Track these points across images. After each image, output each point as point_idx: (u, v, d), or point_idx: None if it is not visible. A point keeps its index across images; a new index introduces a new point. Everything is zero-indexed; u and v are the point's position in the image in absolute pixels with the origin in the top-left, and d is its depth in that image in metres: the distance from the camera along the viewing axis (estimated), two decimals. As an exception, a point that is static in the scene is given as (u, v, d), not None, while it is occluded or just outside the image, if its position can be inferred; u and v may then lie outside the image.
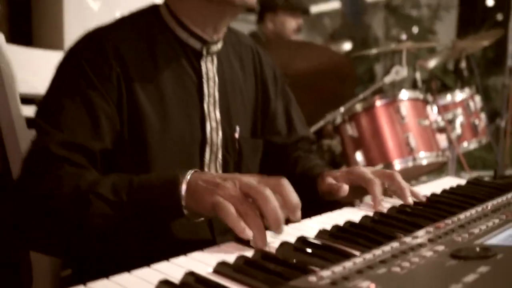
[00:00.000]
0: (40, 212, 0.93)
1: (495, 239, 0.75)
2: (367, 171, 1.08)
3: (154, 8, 1.17)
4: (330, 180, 1.11)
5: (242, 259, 0.70)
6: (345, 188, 1.06)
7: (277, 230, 0.78)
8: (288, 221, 0.93)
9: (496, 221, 0.83)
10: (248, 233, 0.75)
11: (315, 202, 1.15)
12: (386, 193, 1.09)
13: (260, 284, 0.62)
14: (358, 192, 1.10)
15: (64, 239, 0.94)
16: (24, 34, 2.66)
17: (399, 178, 1.05)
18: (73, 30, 2.48)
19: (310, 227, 0.89)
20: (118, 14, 2.55)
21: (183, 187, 0.84)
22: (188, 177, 0.84)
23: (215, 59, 1.18)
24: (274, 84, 1.31)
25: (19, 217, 0.96)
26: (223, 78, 1.19)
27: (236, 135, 1.20)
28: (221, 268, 0.68)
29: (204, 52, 1.15)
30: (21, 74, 1.28)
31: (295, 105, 1.38)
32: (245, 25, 3.70)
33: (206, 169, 1.16)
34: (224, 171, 1.19)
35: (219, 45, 1.18)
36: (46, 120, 1.00)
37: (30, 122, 1.22)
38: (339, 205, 1.10)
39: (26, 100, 1.27)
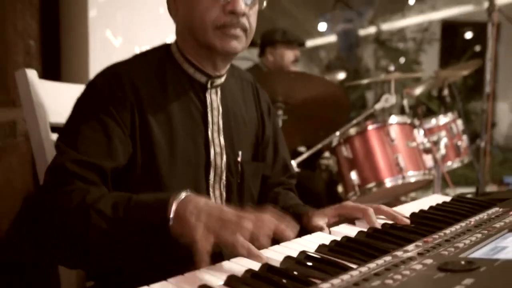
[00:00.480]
0: (51, 223, 0.92)
1: (478, 253, 0.74)
2: (359, 205, 1.08)
3: (165, 46, 1.18)
4: (319, 222, 1.08)
5: (249, 272, 0.70)
6: (327, 231, 1.04)
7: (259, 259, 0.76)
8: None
9: (479, 235, 0.83)
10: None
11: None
12: None
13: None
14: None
15: (69, 250, 0.92)
16: (54, 70, 2.69)
17: (386, 208, 1.05)
18: (98, 65, 2.50)
19: (311, 242, 0.89)
20: (137, 49, 2.59)
21: (173, 209, 0.83)
22: (179, 200, 0.84)
23: (219, 91, 1.18)
24: (268, 116, 1.32)
25: (36, 228, 0.95)
26: (226, 108, 1.19)
27: (239, 159, 1.19)
28: (231, 281, 0.68)
29: (209, 85, 1.15)
30: (51, 106, 1.29)
31: (282, 138, 1.37)
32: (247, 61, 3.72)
33: (211, 190, 1.15)
34: (228, 191, 1.18)
35: (222, 79, 1.18)
36: (65, 141, 1.01)
37: (58, 148, 1.22)
38: None
39: (55, 128, 1.28)
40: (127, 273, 0.94)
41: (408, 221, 1.01)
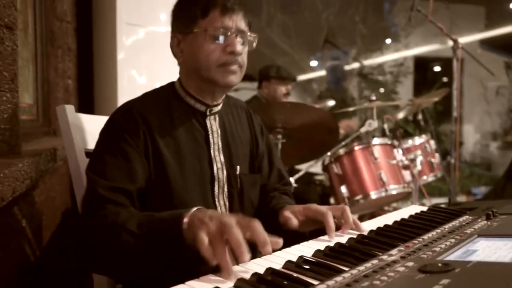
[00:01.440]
0: (91, 242, 0.94)
1: (453, 256, 0.73)
2: (322, 207, 1.07)
3: (170, 84, 1.20)
4: (287, 213, 1.10)
5: (255, 276, 0.69)
6: (294, 222, 1.07)
7: (241, 258, 0.74)
8: (290, 243, 0.92)
9: (453, 240, 0.82)
10: (214, 262, 0.74)
11: (279, 232, 1.08)
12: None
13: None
14: (312, 224, 1.09)
15: (106, 263, 0.94)
16: (88, 104, 2.71)
17: (348, 212, 1.04)
18: (125, 100, 2.52)
19: (308, 248, 0.88)
20: (158, 85, 2.61)
21: (185, 221, 0.83)
22: (190, 213, 0.84)
23: (217, 117, 1.19)
24: (261, 135, 1.32)
25: (79, 246, 0.97)
26: (224, 130, 1.20)
27: (237, 172, 1.20)
28: (240, 284, 0.66)
29: (208, 113, 1.16)
30: (86, 135, 1.29)
31: (276, 153, 1.38)
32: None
33: (216, 200, 1.15)
34: (230, 201, 1.18)
35: (219, 107, 1.19)
36: (93, 171, 1.02)
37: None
38: (301, 235, 1.09)
39: (89, 154, 1.28)
40: (151, 278, 0.93)
41: (362, 228, 1.01)
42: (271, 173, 1.32)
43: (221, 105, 1.20)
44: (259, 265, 0.76)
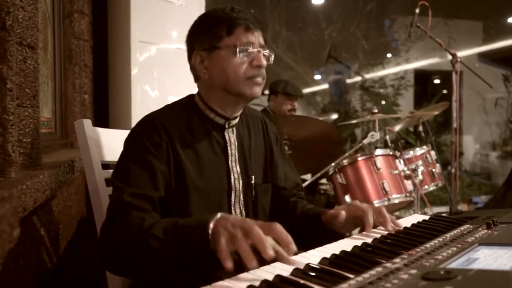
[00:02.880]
0: (116, 246, 0.94)
1: (455, 263, 0.72)
2: (363, 204, 1.10)
3: (190, 96, 1.22)
4: (333, 210, 1.14)
5: (265, 282, 0.69)
6: (343, 213, 1.09)
7: (264, 253, 0.76)
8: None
9: (454, 248, 0.81)
10: (229, 265, 0.76)
11: (319, 233, 1.18)
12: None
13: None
14: (353, 224, 1.12)
15: (133, 266, 0.94)
16: (103, 117, 2.74)
17: (384, 211, 1.08)
18: (138, 112, 2.55)
19: (314, 255, 0.88)
20: (170, 98, 2.64)
21: (211, 226, 0.84)
22: (215, 220, 0.85)
23: (235, 129, 1.21)
24: (276, 144, 1.34)
25: (105, 251, 0.97)
26: (240, 142, 1.21)
27: (252, 182, 1.21)
28: (250, 290, 0.67)
29: (226, 126, 1.19)
30: (102, 147, 1.31)
31: (290, 161, 1.40)
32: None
33: (232, 208, 1.17)
34: (246, 209, 1.20)
35: (237, 120, 1.22)
36: (119, 179, 1.03)
37: (107, 181, 1.24)
38: (338, 236, 1.10)
39: (105, 165, 1.30)
40: (171, 280, 0.94)
41: (391, 229, 1.05)
42: (287, 180, 1.34)
43: (238, 118, 1.22)
44: (268, 273, 0.76)
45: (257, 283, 0.69)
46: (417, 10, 2.81)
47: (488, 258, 0.73)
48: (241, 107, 1.20)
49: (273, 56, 1.19)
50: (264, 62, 1.13)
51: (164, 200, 1.07)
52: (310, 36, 6.96)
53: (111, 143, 1.36)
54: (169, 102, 1.22)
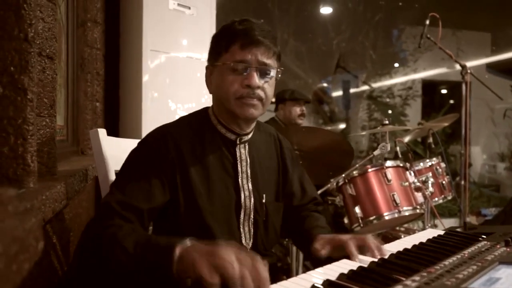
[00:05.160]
0: (91, 246, 0.94)
1: (477, 283, 0.72)
2: (344, 236, 1.04)
3: (204, 110, 1.21)
4: (317, 245, 1.07)
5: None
6: (322, 254, 1.04)
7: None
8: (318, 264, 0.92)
9: (474, 267, 0.80)
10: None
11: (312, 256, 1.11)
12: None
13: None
14: (339, 252, 1.04)
15: (101, 271, 0.92)
16: (114, 124, 2.76)
17: (369, 241, 1.01)
18: (149, 117, 2.56)
19: (332, 271, 0.87)
20: (180, 106, 2.65)
21: (177, 252, 0.80)
22: (182, 246, 0.81)
23: (247, 145, 1.18)
24: (291, 162, 1.31)
25: (83, 246, 0.97)
26: (253, 158, 1.19)
27: (263, 201, 1.19)
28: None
29: (238, 141, 1.16)
30: (115, 156, 1.32)
31: (306, 176, 1.37)
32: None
33: (241, 227, 1.14)
34: (255, 227, 1.17)
35: (249, 136, 1.19)
36: (116, 185, 1.03)
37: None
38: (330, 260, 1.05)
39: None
40: None
41: (377, 257, 0.96)
42: (304, 196, 1.31)
43: (251, 134, 1.20)
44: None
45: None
46: (427, 22, 2.82)
47: (511, 278, 0.72)
48: (245, 126, 1.17)
49: (273, 72, 1.11)
50: (256, 82, 1.07)
51: (170, 216, 1.06)
52: (319, 45, 6.98)
53: (125, 152, 1.36)
54: (181, 112, 1.22)
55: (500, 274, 0.75)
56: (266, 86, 1.11)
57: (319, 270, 0.89)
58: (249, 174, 1.17)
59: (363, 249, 1.01)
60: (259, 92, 1.09)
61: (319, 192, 2.36)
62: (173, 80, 2.72)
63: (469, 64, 3.01)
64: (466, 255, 0.91)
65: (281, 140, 1.32)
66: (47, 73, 1.17)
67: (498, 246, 0.97)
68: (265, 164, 1.23)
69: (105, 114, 2.70)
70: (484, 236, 1.08)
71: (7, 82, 0.91)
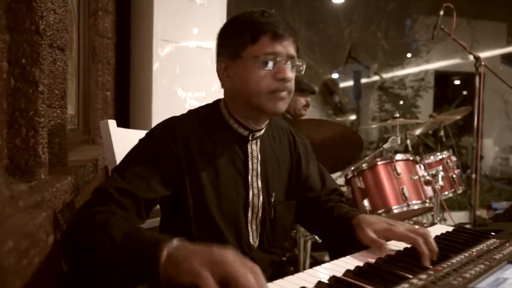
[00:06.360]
0: (79, 233, 0.87)
1: (484, 283, 0.71)
2: (408, 231, 0.96)
3: (215, 103, 1.16)
4: (371, 234, 1.00)
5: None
6: (385, 248, 0.95)
7: None
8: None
9: (482, 266, 0.80)
10: None
11: (350, 242, 1.06)
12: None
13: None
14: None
15: (85, 257, 0.86)
16: (124, 113, 2.77)
17: (431, 239, 0.93)
18: (158, 105, 2.58)
19: (338, 267, 0.87)
20: (190, 94, 2.64)
21: (164, 252, 0.74)
22: (171, 244, 0.75)
23: (259, 142, 1.15)
24: (306, 156, 1.27)
25: (69, 227, 0.91)
26: (264, 155, 1.15)
27: (272, 199, 1.16)
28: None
29: (250, 138, 1.13)
30: (125, 146, 1.32)
31: (324, 169, 1.33)
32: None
33: (248, 225, 1.12)
34: (262, 226, 1.14)
35: (261, 132, 1.15)
36: (118, 171, 1.00)
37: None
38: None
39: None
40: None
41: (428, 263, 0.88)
42: (324, 187, 1.27)
43: (264, 130, 1.16)
44: (292, 283, 0.77)
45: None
46: (442, 12, 2.76)
47: (519, 278, 0.72)
48: (264, 121, 1.14)
49: (304, 66, 1.09)
50: (290, 75, 1.04)
51: (177, 212, 1.05)
52: (330, 35, 6.91)
53: (134, 143, 1.37)
54: (190, 101, 1.19)
55: (508, 274, 0.75)
56: (293, 79, 1.08)
57: (325, 265, 0.89)
58: (259, 172, 1.14)
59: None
60: (289, 85, 1.06)
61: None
62: (183, 70, 2.73)
63: (484, 55, 2.96)
64: (474, 253, 0.90)
65: (294, 135, 1.28)
66: (58, 65, 1.17)
67: (507, 244, 0.96)
68: (277, 161, 1.19)
69: (115, 103, 2.72)
70: (493, 234, 1.07)
71: (19, 74, 0.92)
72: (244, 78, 1.05)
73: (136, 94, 2.78)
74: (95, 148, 2.01)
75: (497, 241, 1.00)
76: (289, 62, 1.05)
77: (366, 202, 2.21)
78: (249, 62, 1.03)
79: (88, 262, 0.86)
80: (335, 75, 7.70)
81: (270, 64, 1.03)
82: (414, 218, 2.89)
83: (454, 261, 0.85)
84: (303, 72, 1.10)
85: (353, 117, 4.00)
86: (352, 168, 2.27)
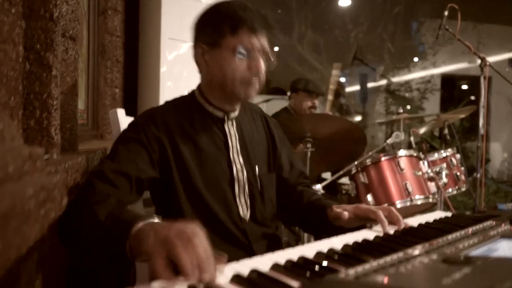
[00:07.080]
0: (70, 209, 0.90)
1: (476, 252, 0.74)
2: (372, 206, 1.10)
3: (191, 93, 1.26)
4: (338, 209, 1.13)
5: (289, 262, 0.72)
6: (345, 214, 1.09)
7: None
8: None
9: (476, 240, 0.82)
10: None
11: (323, 226, 1.18)
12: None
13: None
14: (358, 222, 1.12)
15: (69, 234, 0.89)
16: (132, 110, 2.82)
17: (394, 211, 1.06)
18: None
19: (337, 243, 0.90)
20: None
21: (134, 229, 0.75)
22: (145, 222, 0.76)
23: (234, 122, 1.23)
24: (279, 139, 1.35)
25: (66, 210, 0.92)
26: (241, 134, 1.23)
27: (256, 173, 1.23)
28: (236, 280, 0.66)
29: (225, 118, 1.21)
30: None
31: (293, 150, 1.41)
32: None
33: (237, 199, 1.18)
34: (251, 199, 1.21)
35: (236, 113, 1.24)
36: (108, 157, 1.06)
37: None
38: (344, 230, 1.10)
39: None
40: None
41: (406, 225, 1.03)
42: (292, 169, 1.35)
43: (237, 111, 1.25)
44: (292, 255, 0.80)
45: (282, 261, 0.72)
46: (446, 13, 2.78)
47: (509, 249, 0.74)
48: (237, 103, 1.22)
49: (275, 62, 1.17)
50: (264, 68, 1.13)
51: (168, 192, 1.10)
52: (336, 37, 6.94)
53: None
54: (168, 100, 1.25)
55: (500, 246, 0.78)
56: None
57: (334, 239, 0.92)
58: (239, 149, 1.21)
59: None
60: (261, 76, 1.14)
61: (330, 180, 2.40)
62: (191, 68, 2.77)
63: (491, 59, 2.95)
64: (470, 231, 0.92)
65: (267, 116, 1.37)
66: (70, 53, 1.22)
67: (503, 224, 0.98)
68: (254, 139, 1.27)
69: (124, 100, 2.77)
70: (491, 218, 1.09)
71: (34, 59, 0.97)
72: (221, 66, 1.13)
73: (144, 92, 2.83)
74: (104, 143, 2.06)
75: (494, 222, 1.02)
76: (263, 55, 1.13)
77: (369, 197, 2.23)
78: (227, 52, 1.12)
79: (78, 245, 0.88)
80: (342, 79, 7.72)
81: (246, 55, 1.11)
82: (418, 215, 2.90)
83: (449, 237, 0.87)
84: (272, 66, 1.18)
85: (358, 118, 4.01)
86: (356, 163, 2.29)
